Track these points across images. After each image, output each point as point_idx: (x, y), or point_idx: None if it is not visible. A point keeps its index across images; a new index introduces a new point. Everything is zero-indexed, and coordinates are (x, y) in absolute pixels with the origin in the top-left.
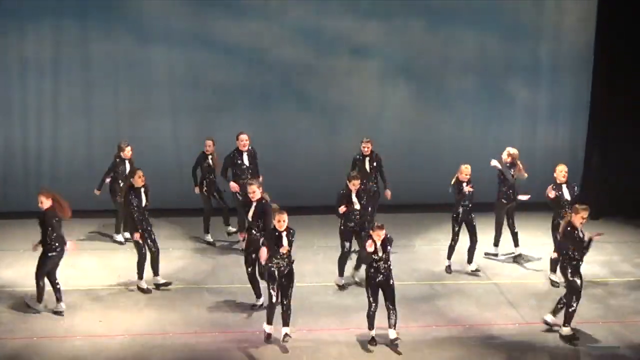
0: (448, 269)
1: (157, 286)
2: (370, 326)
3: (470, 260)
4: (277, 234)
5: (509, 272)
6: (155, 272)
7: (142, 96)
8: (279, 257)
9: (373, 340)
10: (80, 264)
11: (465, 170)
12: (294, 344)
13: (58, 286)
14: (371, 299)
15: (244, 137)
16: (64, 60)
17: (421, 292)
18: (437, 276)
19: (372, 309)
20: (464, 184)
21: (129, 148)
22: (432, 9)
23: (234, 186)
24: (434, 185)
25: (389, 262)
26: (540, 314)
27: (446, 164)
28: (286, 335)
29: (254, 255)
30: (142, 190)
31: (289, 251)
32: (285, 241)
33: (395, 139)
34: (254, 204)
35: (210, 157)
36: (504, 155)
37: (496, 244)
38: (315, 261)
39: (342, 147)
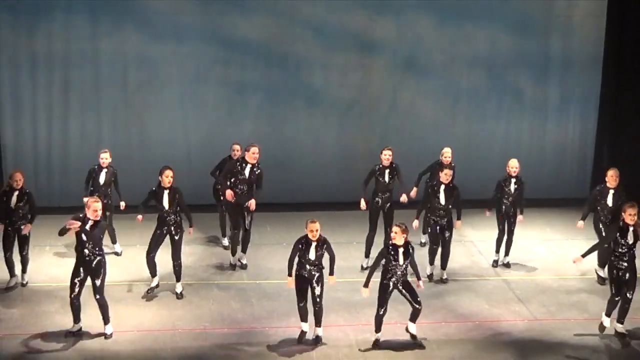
0: (495, 263)
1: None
2: (377, 329)
3: (507, 253)
4: (307, 242)
5: (518, 268)
6: (177, 279)
7: (152, 92)
8: (308, 264)
9: (377, 343)
10: None
11: (512, 164)
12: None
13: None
14: (380, 303)
15: (255, 149)
16: (74, 56)
17: (431, 288)
18: (447, 273)
19: (380, 313)
20: (513, 180)
21: (104, 155)
22: (441, 4)
23: (230, 194)
24: None
25: (406, 269)
26: (549, 311)
27: (456, 160)
28: (318, 337)
29: (77, 280)
30: (167, 192)
31: (319, 259)
32: (312, 252)
33: (405, 135)
34: (91, 222)
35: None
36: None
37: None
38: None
39: (352, 143)
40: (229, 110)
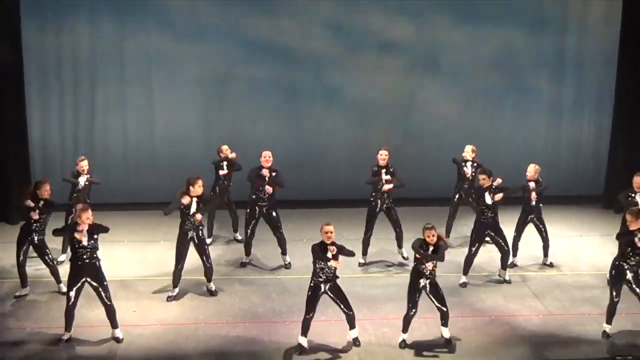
0: (511, 264)
1: (208, 291)
2: (405, 329)
3: (545, 254)
4: (323, 247)
5: (534, 264)
6: (208, 279)
7: (175, 91)
8: (324, 273)
9: (403, 343)
10: (115, 256)
11: (528, 169)
12: (320, 333)
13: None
14: (410, 303)
15: (266, 153)
16: (99, 56)
17: (448, 283)
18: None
19: (410, 313)
20: (531, 184)
21: (83, 163)
22: (459, 5)
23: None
24: None
25: (435, 269)
26: (564, 306)
27: None
28: (356, 339)
29: (75, 289)
30: (195, 199)
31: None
32: (330, 255)
33: (423, 134)
34: (85, 227)
35: (225, 162)
36: (470, 152)
37: None
38: None
39: (370, 141)
40: (249, 108)
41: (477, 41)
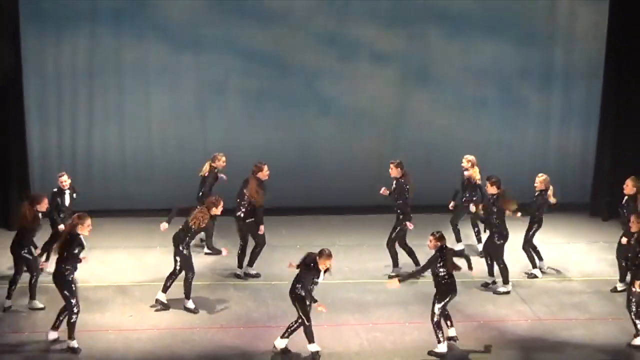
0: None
1: (185, 309)
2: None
3: (540, 258)
4: (317, 270)
5: (522, 270)
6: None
7: (172, 100)
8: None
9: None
10: (112, 261)
11: (537, 180)
12: (315, 337)
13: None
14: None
15: (266, 167)
16: (98, 66)
17: None
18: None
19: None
20: (543, 192)
21: (62, 178)
22: (449, 17)
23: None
24: (451, 187)
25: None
26: (552, 311)
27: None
28: (285, 349)
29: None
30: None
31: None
32: (321, 276)
33: (414, 143)
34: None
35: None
36: (465, 163)
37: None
38: (337, 259)
39: (363, 150)
40: (245, 118)
41: (467, 53)
